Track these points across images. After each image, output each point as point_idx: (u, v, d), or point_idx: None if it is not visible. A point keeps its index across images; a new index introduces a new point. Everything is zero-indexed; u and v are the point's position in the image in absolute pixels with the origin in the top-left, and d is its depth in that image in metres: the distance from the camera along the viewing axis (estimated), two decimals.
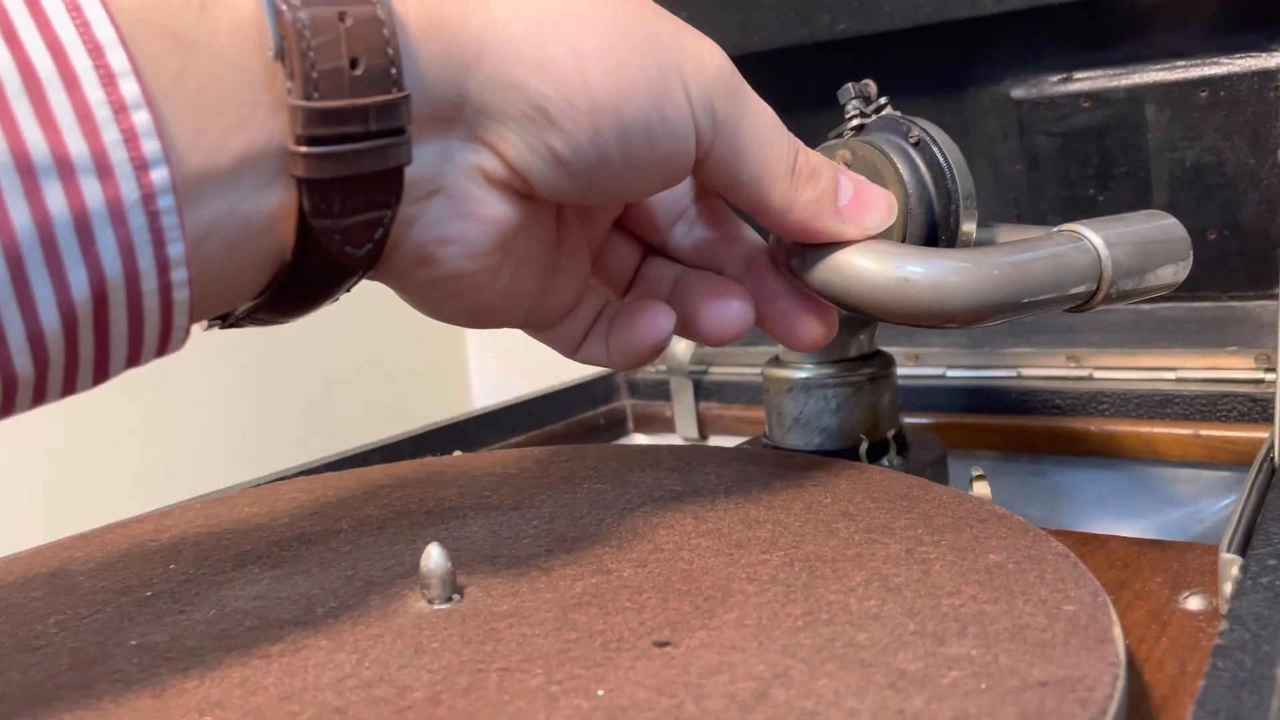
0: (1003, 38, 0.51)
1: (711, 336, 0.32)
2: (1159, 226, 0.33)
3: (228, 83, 0.22)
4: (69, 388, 0.22)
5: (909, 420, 0.53)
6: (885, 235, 0.31)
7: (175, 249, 0.21)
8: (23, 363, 0.21)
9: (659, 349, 0.32)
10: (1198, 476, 0.49)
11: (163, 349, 0.23)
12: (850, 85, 0.38)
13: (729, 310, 0.32)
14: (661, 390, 0.65)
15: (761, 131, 0.28)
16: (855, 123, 0.37)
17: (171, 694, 0.24)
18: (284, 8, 0.22)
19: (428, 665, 0.24)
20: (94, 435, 0.69)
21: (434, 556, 0.28)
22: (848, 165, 0.37)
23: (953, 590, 0.26)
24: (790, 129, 0.60)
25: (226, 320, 0.26)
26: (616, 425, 0.66)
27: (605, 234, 0.33)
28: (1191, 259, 0.33)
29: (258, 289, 0.25)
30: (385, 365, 0.88)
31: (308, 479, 0.43)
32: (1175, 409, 0.49)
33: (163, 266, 0.21)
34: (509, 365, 0.97)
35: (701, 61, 0.27)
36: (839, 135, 0.38)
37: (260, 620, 0.28)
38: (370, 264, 0.25)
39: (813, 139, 0.58)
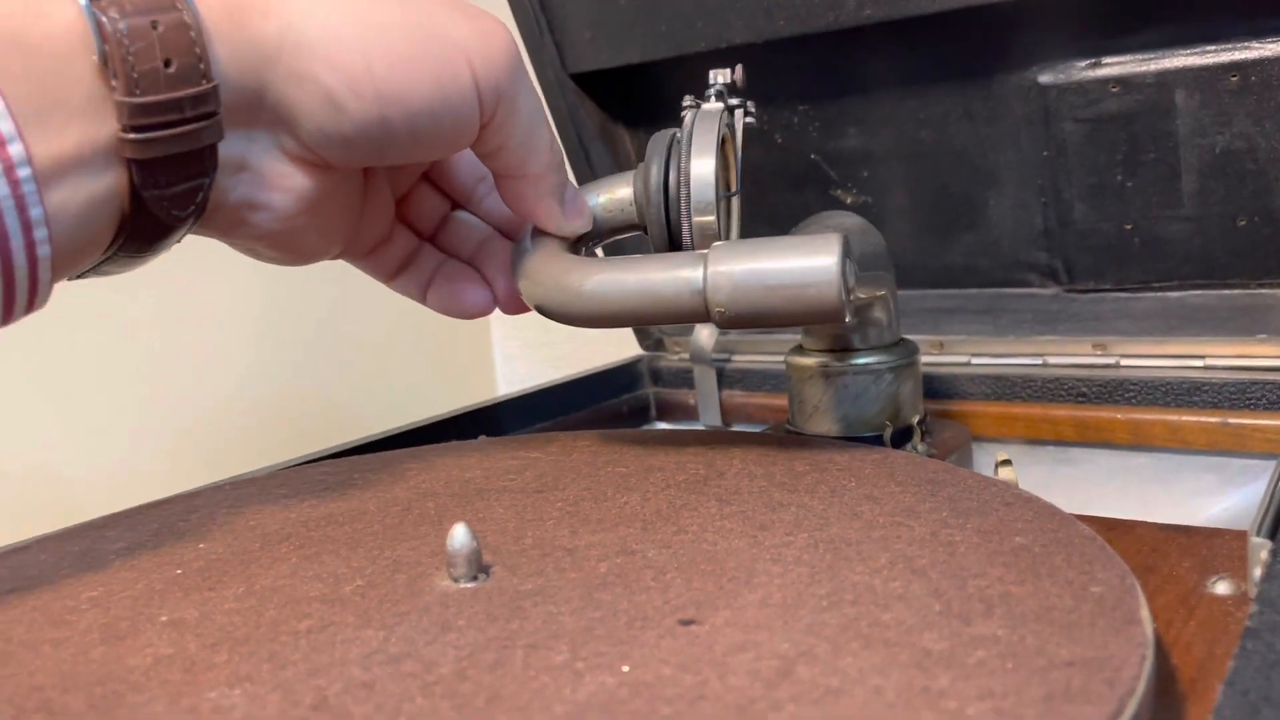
0: (1030, 23, 0.50)
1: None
2: (799, 268, 0.33)
3: (65, 80, 0.26)
4: None
5: (934, 407, 0.53)
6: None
7: (35, 211, 0.25)
8: None
9: (473, 316, 0.38)
10: (1226, 464, 0.48)
11: (31, 305, 0.27)
12: (716, 71, 0.40)
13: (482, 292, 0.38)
14: (685, 378, 0.65)
15: (533, 109, 0.33)
16: (685, 111, 0.39)
17: (201, 668, 0.24)
18: (104, 19, 0.26)
19: (454, 642, 0.25)
20: (126, 418, 0.70)
21: (460, 536, 0.28)
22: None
23: (978, 572, 0.26)
24: (815, 116, 0.60)
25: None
26: (639, 413, 0.66)
27: (411, 185, 0.38)
28: (837, 303, 0.32)
29: (103, 248, 0.28)
30: (412, 354, 0.89)
31: (335, 462, 0.43)
32: (1203, 397, 0.49)
33: (26, 227, 0.25)
34: (533, 354, 0.98)
35: (488, 45, 0.31)
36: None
37: (288, 597, 0.28)
38: (194, 220, 0.29)
39: (837, 126, 0.58)
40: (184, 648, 0.25)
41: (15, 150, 0.24)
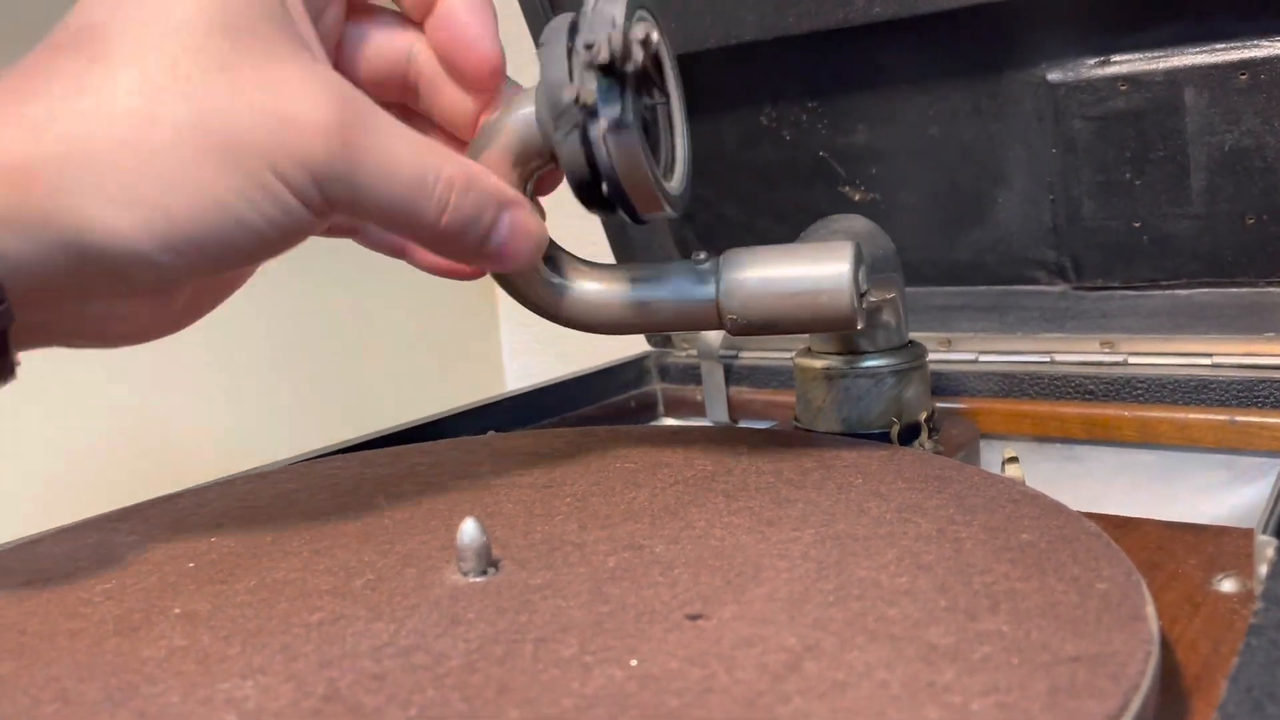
0: (1039, 20, 0.50)
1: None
2: (811, 275, 0.33)
3: None
4: None
5: (941, 405, 0.53)
6: None
7: None
8: None
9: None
10: (1233, 462, 0.48)
11: None
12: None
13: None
14: (692, 374, 0.66)
15: (386, 178, 0.28)
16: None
17: (214, 660, 0.25)
18: None
19: (464, 635, 0.25)
20: (139, 414, 0.70)
21: (469, 530, 0.28)
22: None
23: (984, 568, 0.27)
24: (825, 113, 0.60)
25: None
26: (647, 409, 0.67)
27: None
28: (851, 310, 0.32)
29: None
30: (420, 350, 0.89)
31: (345, 456, 0.44)
32: (1211, 395, 0.49)
33: None
34: (542, 349, 0.98)
35: (298, 127, 0.26)
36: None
37: (300, 590, 0.28)
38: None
39: (846, 122, 0.58)
40: (197, 639, 0.26)
41: None
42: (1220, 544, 0.33)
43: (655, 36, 0.29)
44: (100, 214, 0.25)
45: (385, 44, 0.33)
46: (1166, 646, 0.27)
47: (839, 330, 0.33)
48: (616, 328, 0.35)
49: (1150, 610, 0.24)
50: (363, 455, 0.43)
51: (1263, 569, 0.28)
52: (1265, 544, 0.28)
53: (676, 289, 0.34)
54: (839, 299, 0.32)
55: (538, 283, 0.35)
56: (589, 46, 0.28)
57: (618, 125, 0.29)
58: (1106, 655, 0.22)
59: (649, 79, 0.32)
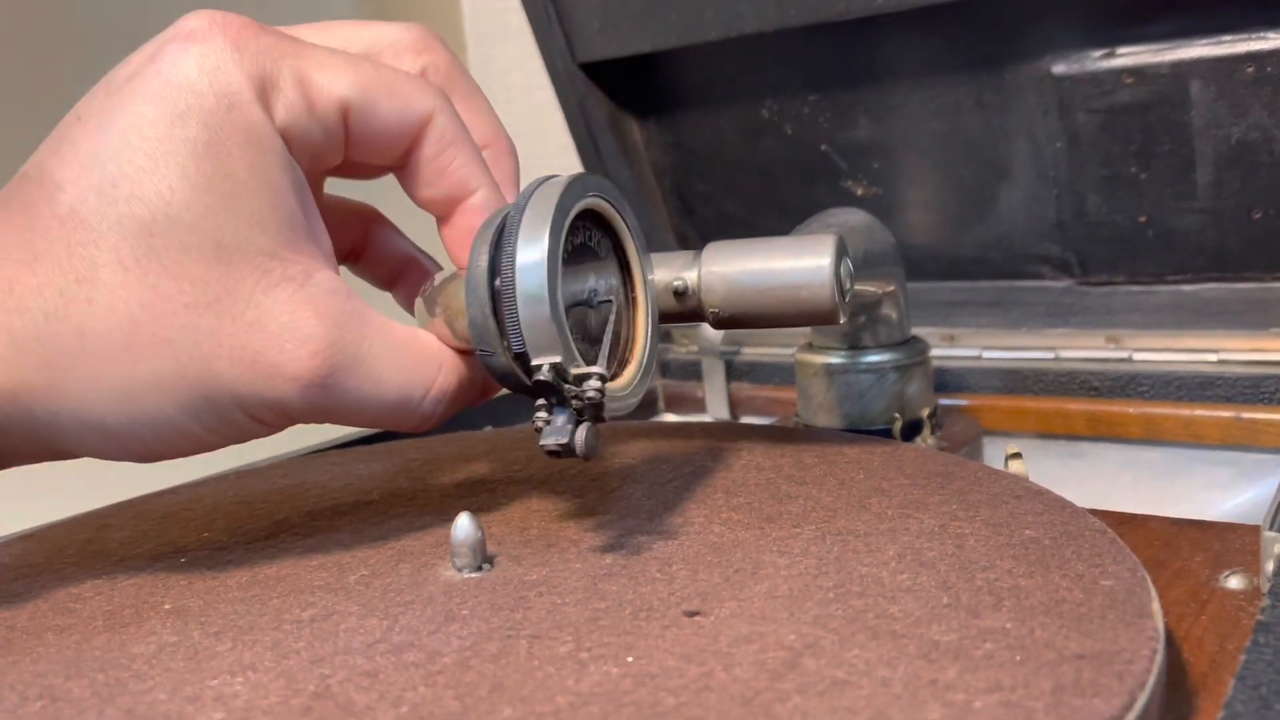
0: (1044, 12, 0.50)
1: None
2: (789, 269, 0.32)
3: None
4: None
5: (944, 401, 0.53)
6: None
7: None
8: None
9: None
10: (1239, 459, 0.48)
11: None
12: None
13: None
14: (693, 370, 0.65)
15: (378, 403, 0.28)
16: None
17: (204, 656, 0.24)
18: None
19: (458, 632, 0.24)
20: None
21: (464, 525, 0.28)
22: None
23: (987, 564, 0.26)
24: (827, 107, 0.60)
25: None
26: (648, 405, 0.66)
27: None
28: (832, 305, 0.32)
29: None
30: None
31: (340, 452, 0.43)
32: (1217, 391, 0.49)
33: None
34: None
35: (274, 381, 0.26)
36: None
37: (292, 586, 0.28)
38: None
39: (848, 116, 0.57)
40: (188, 636, 0.25)
41: None
42: (1226, 541, 0.33)
43: (597, 382, 0.26)
44: (77, 439, 0.27)
45: (395, 126, 0.30)
46: (1172, 644, 0.27)
47: (822, 324, 0.33)
48: None
49: (1156, 607, 0.23)
50: (358, 450, 0.43)
51: (1269, 565, 0.28)
52: (1272, 540, 0.28)
53: (654, 282, 0.33)
54: (820, 293, 0.32)
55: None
56: (527, 369, 0.27)
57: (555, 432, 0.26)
58: (1112, 653, 0.21)
59: (611, 264, 0.31)
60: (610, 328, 0.30)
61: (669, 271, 0.33)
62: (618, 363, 0.31)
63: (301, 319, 0.26)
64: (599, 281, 0.31)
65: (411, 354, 0.28)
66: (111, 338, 0.25)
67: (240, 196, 0.26)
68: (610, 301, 0.31)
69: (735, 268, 0.33)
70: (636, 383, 0.31)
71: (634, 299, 0.32)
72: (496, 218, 0.28)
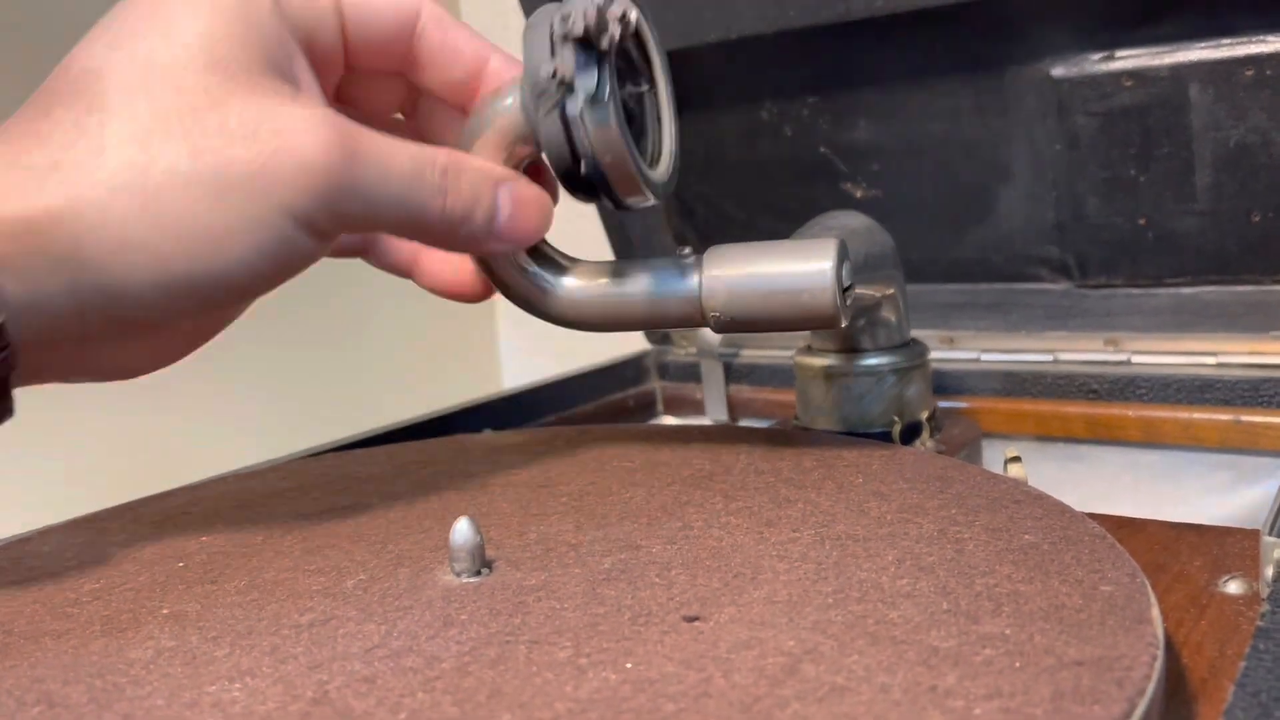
0: (1043, 15, 0.50)
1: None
2: (793, 272, 0.32)
3: None
4: None
5: (943, 403, 0.53)
6: None
7: None
8: None
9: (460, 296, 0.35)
10: (1239, 462, 0.48)
11: None
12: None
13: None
14: (692, 372, 0.65)
15: (391, 193, 0.28)
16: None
17: (202, 661, 0.24)
18: None
19: (456, 637, 0.24)
20: (133, 411, 0.70)
21: (463, 530, 0.28)
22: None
23: (987, 570, 0.26)
24: (827, 109, 0.60)
25: None
26: (646, 408, 0.66)
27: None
28: (831, 308, 0.32)
29: None
30: (417, 347, 0.89)
31: (339, 455, 0.43)
32: (1215, 394, 0.49)
33: None
34: (539, 347, 0.97)
35: (298, 156, 0.27)
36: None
37: (290, 591, 0.28)
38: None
39: (847, 118, 0.57)
40: (185, 641, 0.25)
41: None
42: (1225, 545, 0.33)
43: (634, 16, 0.30)
44: (102, 262, 0.26)
45: (389, 12, 0.33)
46: (1171, 649, 0.27)
47: (823, 328, 0.33)
48: (601, 324, 0.35)
49: (1155, 613, 0.23)
50: (357, 454, 0.43)
51: (1269, 570, 0.28)
52: (1271, 545, 0.28)
53: (659, 286, 0.33)
54: (821, 297, 0.32)
55: (526, 279, 0.34)
56: (565, 18, 0.29)
57: (593, 99, 0.29)
58: (1111, 659, 0.21)
59: (634, 67, 0.33)
60: (650, 116, 0.33)
61: (669, 277, 0.33)
62: (650, 157, 0.33)
63: (305, 108, 0.28)
64: (633, 80, 0.33)
65: (409, 142, 0.29)
66: (125, 149, 0.26)
67: (234, 38, 0.27)
68: (651, 90, 0.33)
69: (736, 272, 0.33)
70: (669, 176, 0.33)
71: (657, 96, 0.34)
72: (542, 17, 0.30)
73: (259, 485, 0.39)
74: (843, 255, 0.32)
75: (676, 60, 0.61)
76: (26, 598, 0.29)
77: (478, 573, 0.28)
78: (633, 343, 0.69)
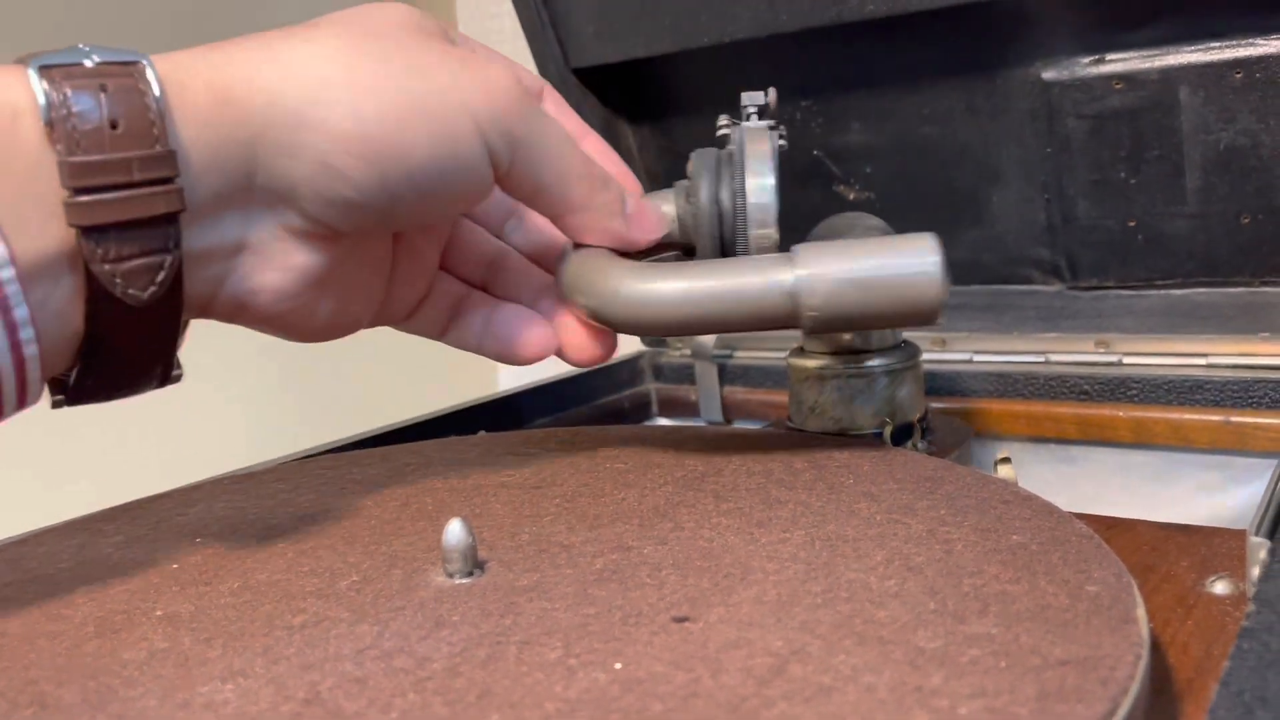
0: (1034, 18, 0.50)
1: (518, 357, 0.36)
2: (901, 266, 0.32)
3: (42, 178, 0.25)
4: None
5: (936, 405, 0.53)
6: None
7: (20, 312, 0.24)
8: None
9: (532, 359, 0.35)
10: (1229, 463, 0.48)
11: (22, 401, 0.26)
12: (746, 94, 0.37)
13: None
14: (686, 374, 0.65)
15: (556, 144, 0.31)
16: (721, 131, 0.37)
17: (194, 662, 0.24)
18: (49, 86, 0.25)
19: (447, 638, 0.25)
20: (126, 414, 0.70)
21: (455, 531, 0.28)
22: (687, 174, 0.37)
23: (975, 570, 0.26)
24: (819, 111, 0.60)
25: (66, 397, 0.28)
26: (641, 409, 0.66)
27: (449, 231, 0.36)
28: (937, 301, 0.32)
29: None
30: (413, 348, 0.89)
31: (334, 456, 0.43)
32: (1206, 395, 0.49)
33: (10, 328, 0.24)
34: None
35: (490, 92, 0.30)
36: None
37: (284, 592, 0.28)
38: (162, 309, 0.27)
39: (840, 121, 0.57)
40: (178, 642, 0.25)
41: None
42: (1213, 545, 0.33)
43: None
44: (292, 144, 0.27)
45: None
46: (1158, 649, 0.27)
47: (921, 324, 0.33)
48: (682, 328, 0.33)
49: (1141, 613, 0.24)
50: (351, 455, 0.43)
51: (1255, 571, 0.28)
52: (1258, 545, 0.28)
53: (746, 285, 0.32)
54: (930, 290, 0.32)
55: (600, 284, 0.33)
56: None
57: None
58: (1096, 659, 0.21)
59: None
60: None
61: (759, 275, 0.32)
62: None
63: (496, 63, 0.31)
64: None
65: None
66: (336, 52, 0.28)
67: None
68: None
69: (838, 268, 0.32)
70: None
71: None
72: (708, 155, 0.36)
73: (253, 487, 0.39)
74: (942, 250, 0.32)
75: (672, 64, 0.61)
76: (22, 599, 0.29)
77: (470, 574, 0.28)
78: (628, 344, 0.69)
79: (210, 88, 0.27)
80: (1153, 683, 0.24)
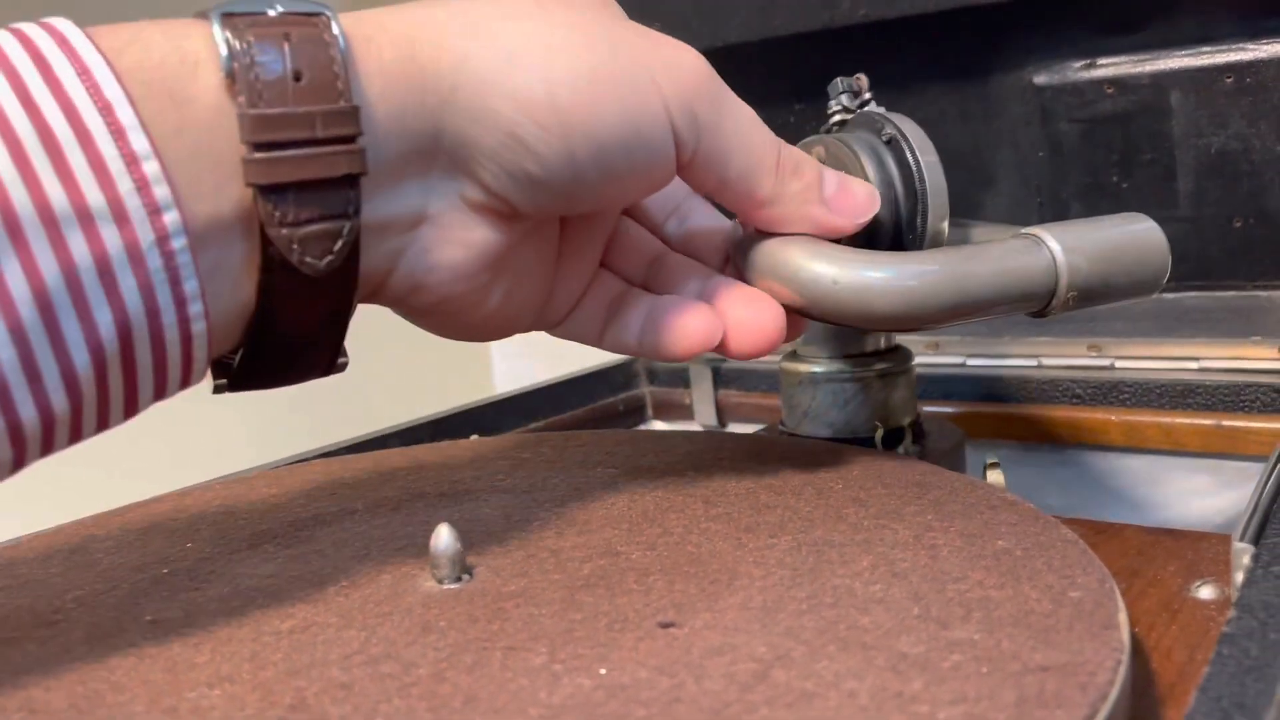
0: (1026, 23, 0.50)
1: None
2: (1131, 231, 0.32)
3: (220, 135, 0.23)
4: (102, 423, 0.24)
5: (928, 409, 0.53)
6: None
7: (190, 285, 0.23)
8: (59, 400, 0.22)
9: (695, 351, 0.31)
10: (1220, 467, 0.48)
11: (185, 381, 0.25)
12: (840, 80, 0.37)
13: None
14: (680, 377, 0.65)
15: (744, 130, 0.29)
16: (837, 118, 0.36)
17: (182, 668, 0.24)
18: (231, 34, 0.23)
19: (434, 643, 0.25)
20: None
21: (444, 537, 0.28)
22: (821, 161, 0.35)
23: (959, 575, 0.26)
24: (812, 116, 0.60)
25: (230, 381, 0.27)
26: (635, 412, 0.66)
27: (613, 225, 0.34)
28: (1168, 265, 0.32)
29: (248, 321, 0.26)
30: (408, 351, 0.89)
31: (325, 461, 0.44)
32: (1197, 399, 0.49)
33: (179, 301, 0.23)
34: (531, 351, 0.98)
35: (678, 70, 0.28)
36: (828, 131, 0.38)
37: (273, 598, 0.28)
38: (337, 281, 0.25)
39: None
40: (167, 647, 0.26)
41: (171, 219, 0.22)
42: (1199, 550, 0.33)
43: None
44: (476, 112, 0.26)
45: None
46: (1141, 654, 0.27)
47: (1149, 293, 0.33)
48: (936, 316, 0.31)
49: (1122, 618, 0.24)
50: (342, 459, 0.43)
51: (1239, 576, 0.28)
52: (1242, 550, 0.28)
53: (1007, 268, 0.31)
54: (1164, 254, 0.32)
55: (812, 272, 0.31)
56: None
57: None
58: (1076, 664, 0.22)
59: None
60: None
61: (1019, 257, 0.31)
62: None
63: (687, 49, 0.29)
64: None
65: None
66: (525, 18, 0.27)
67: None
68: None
69: (1090, 243, 0.31)
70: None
71: None
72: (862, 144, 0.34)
73: (244, 491, 0.39)
74: None
75: None
76: (12, 603, 0.29)
77: (458, 579, 0.28)
78: None
79: (396, 45, 0.25)
80: (1134, 688, 0.24)
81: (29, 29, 0.22)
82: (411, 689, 0.23)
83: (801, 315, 0.32)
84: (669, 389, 0.66)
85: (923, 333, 0.32)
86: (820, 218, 0.31)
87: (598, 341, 0.33)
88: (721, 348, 0.31)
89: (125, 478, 0.69)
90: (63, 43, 0.22)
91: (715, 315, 0.31)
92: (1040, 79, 0.51)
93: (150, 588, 0.30)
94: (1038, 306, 0.31)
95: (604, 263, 0.34)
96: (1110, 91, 0.50)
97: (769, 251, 0.31)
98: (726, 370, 0.63)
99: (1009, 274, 0.30)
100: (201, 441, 0.74)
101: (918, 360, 0.48)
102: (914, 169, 0.33)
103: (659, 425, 0.67)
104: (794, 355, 0.47)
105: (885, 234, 0.33)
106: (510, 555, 0.30)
